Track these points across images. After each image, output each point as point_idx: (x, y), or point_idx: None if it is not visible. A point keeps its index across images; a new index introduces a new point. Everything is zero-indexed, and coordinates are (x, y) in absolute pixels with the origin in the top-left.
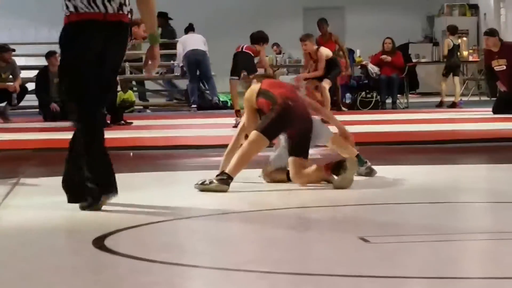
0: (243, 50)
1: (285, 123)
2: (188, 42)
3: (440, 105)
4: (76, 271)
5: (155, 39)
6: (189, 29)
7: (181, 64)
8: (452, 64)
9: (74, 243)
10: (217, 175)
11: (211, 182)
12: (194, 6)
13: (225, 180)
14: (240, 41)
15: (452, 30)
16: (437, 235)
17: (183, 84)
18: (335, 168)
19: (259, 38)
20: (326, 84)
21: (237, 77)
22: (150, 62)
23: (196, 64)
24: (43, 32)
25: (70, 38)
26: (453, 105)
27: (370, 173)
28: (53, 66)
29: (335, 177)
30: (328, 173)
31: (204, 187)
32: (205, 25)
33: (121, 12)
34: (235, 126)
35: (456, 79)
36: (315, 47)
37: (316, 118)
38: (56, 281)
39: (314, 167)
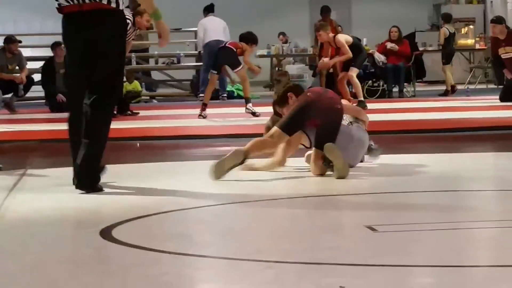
0: (226, 45)
1: (304, 115)
2: (211, 30)
3: (445, 93)
4: (83, 262)
5: (156, 15)
6: (209, 10)
7: (199, 50)
8: (451, 52)
9: (82, 233)
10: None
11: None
12: None
13: (240, 152)
14: (245, 31)
15: (447, 18)
16: (445, 223)
17: (181, 74)
18: (324, 158)
19: (248, 38)
20: (353, 72)
21: (216, 72)
22: (160, 38)
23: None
24: (49, 23)
25: (62, 31)
26: (452, 90)
27: (372, 152)
28: (58, 57)
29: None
30: (322, 162)
31: (217, 164)
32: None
33: (98, 0)
34: (202, 115)
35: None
36: (331, 35)
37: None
38: (63, 272)
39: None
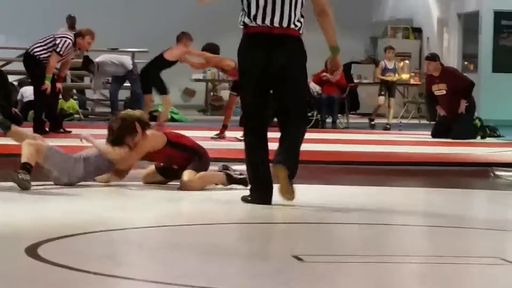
0: None
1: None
2: (118, 57)
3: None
4: (7, 280)
5: (336, 49)
6: None
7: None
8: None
9: (6, 250)
10: None
11: None
12: (137, 18)
13: None
14: None
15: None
16: (371, 256)
17: None
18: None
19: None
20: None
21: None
22: (334, 70)
23: None
24: None
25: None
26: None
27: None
28: None
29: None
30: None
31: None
32: (147, 37)
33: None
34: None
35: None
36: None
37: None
38: None
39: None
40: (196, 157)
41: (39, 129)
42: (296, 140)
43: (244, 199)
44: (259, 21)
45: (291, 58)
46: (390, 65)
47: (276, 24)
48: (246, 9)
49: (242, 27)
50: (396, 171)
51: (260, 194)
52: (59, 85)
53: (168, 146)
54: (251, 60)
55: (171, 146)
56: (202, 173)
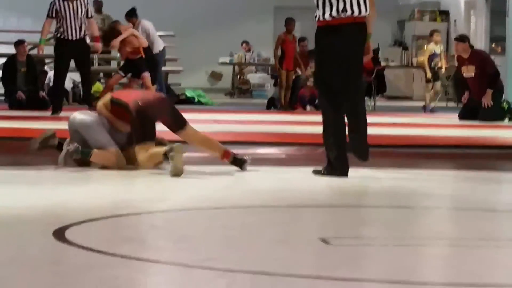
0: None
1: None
2: (156, 35)
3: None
4: (34, 262)
5: (369, 36)
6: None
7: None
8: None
9: (35, 233)
10: None
11: None
12: (164, 2)
13: None
14: (209, 38)
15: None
16: (398, 239)
17: None
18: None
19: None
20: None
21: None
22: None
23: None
24: (12, 20)
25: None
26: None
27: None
28: (21, 55)
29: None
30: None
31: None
32: (175, 21)
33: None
34: None
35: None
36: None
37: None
38: (13, 272)
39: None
40: (133, 116)
41: (57, 107)
42: (364, 124)
43: (317, 172)
44: (343, 13)
45: (361, 42)
46: (438, 50)
47: (355, 14)
48: (334, 2)
49: (324, 19)
50: (422, 154)
51: (344, 167)
52: (98, 45)
53: (112, 104)
54: (334, 47)
55: (112, 103)
56: (152, 149)
